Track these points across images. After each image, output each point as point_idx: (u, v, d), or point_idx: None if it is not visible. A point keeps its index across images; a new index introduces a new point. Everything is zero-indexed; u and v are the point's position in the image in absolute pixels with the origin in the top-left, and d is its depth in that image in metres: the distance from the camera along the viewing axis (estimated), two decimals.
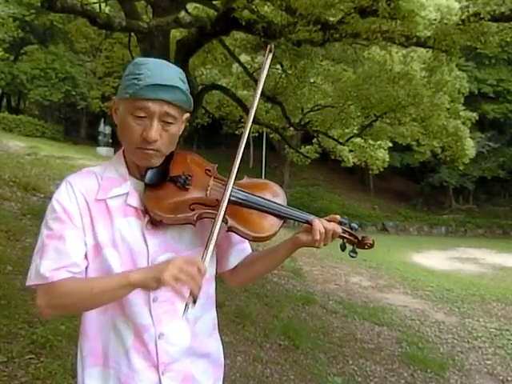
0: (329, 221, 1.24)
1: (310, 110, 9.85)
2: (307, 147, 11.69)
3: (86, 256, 1.18)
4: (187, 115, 1.23)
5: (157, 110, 1.13)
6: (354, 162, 10.93)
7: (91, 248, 1.18)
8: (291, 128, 10.41)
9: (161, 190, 1.20)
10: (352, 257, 1.30)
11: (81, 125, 30.87)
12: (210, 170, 1.27)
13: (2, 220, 6.00)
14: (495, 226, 27.15)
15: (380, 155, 10.46)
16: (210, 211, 1.18)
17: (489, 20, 5.81)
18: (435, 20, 6.77)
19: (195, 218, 1.17)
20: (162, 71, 1.14)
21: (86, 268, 1.18)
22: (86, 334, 1.25)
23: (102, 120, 26.70)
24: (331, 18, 6.44)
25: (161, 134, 1.15)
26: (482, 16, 5.74)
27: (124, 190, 1.21)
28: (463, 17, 6.24)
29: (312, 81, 9.94)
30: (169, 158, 1.23)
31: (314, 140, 10.87)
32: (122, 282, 1.09)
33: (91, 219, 1.18)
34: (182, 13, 7.59)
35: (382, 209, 28.42)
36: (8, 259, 4.71)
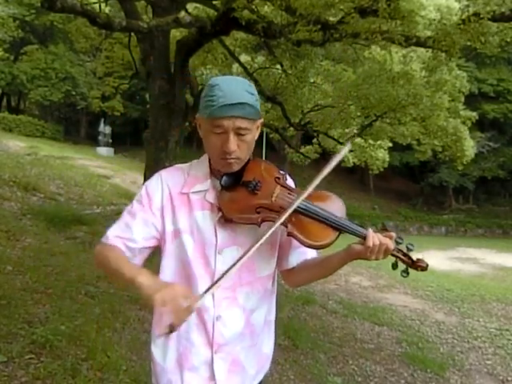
0: (386, 236, 1.30)
1: (310, 110, 9.85)
2: (307, 147, 11.69)
3: (152, 238, 1.38)
4: (261, 121, 1.38)
5: (230, 125, 1.29)
6: (354, 162, 10.93)
7: (170, 232, 1.39)
8: (291, 128, 10.41)
9: (234, 192, 1.37)
10: (403, 276, 1.35)
11: (81, 125, 30.86)
12: (279, 178, 1.40)
13: (2, 220, 6.01)
14: (495, 226, 27.15)
15: (380, 155, 10.47)
16: (273, 216, 1.31)
17: (489, 20, 5.80)
18: (435, 20, 6.78)
19: (259, 220, 1.32)
20: (231, 90, 1.29)
21: (160, 247, 1.41)
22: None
23: (102, 120, 26.72)
24: (331, 18, 6.43)
25: (238, 145, 1.32)
26: (481, 16, 5.73)
27: (205, 187, 1.40)
28: (463, 17, 6.23)
29: (312, 81, 9.94)
30: (245, 163, 1.39)
31: (314, 140, 10.87)
32: (131, 279, 1.23)
33: (173, 207, 1.39)
34: (182, 13, 7.60)
35: (382, 209, 28.44)
36: (8, 259, 4.71)
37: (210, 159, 1.43)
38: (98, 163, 17.37)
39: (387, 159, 10.68)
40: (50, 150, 17.08)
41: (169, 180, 1.41)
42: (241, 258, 1.25)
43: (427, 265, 1.33)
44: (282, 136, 10.82)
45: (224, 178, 1.37)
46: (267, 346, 1.51)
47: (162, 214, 1.38)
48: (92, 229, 7.11)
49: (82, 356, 3.14)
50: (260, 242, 1.26)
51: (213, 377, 1.37)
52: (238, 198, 1.35)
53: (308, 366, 4.17)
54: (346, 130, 10.06)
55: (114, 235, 1.37)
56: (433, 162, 22.74)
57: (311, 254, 1.47)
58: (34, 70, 23.40)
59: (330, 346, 4.79)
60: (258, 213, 1.33)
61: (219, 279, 1.25)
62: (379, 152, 10.46)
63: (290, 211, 1.29)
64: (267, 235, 1.27)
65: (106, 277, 4.91)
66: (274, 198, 1.35)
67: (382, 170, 10.87)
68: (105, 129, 27.25)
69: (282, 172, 1.43)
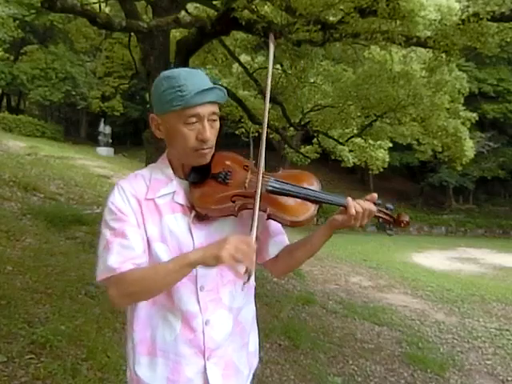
0: (365, 200, 1.32)
1: (310, 110, 9.86)
2: (307, 147, 11.70)
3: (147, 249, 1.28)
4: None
5: (206, 112, 1.25)
6: (354, 162, 10.93)
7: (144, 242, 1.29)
8: (291, 128, 10.42)
9: (204, 187, 1.32)
10: (390, 234, 1.36)
11: (81, 125, 30.86)
12: (247, 166, 1.37)
13: (2, 220, 6.00)
14: (495, 226, 27.10)
15: (380, 155, 10.47)
16: (250, 201, 1.28)
17: (489, 20, 5.80)
18: (435, 20, 6.77)
19: (236, 208, 1.29)
20: (196, 77, 1.25)
21: None
22: (136, 324, 1.34)
23: (102, 120, 26.69)
24: (331, 18, 6.43)
25: (211, 132, 1.28)
26: (481, 16, 5.73)
27: (170, 189, 1.32)
28: (463, 17, 6.23)
29: (312, 81, 9.94)
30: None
31: (314, 140, 10.87)
32: (183, 263, 1.18)
33: (142, 217, 1.29)
34: (182, 13, 7.60)
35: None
36: (8, 259, 4.71)
37: (169, 160, 1.36)
38: (98, 163, 17.37)
39: (387, 159, 10.68)
40: (50, 150, 17.07)
41: (130, 189, 1.31)
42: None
43: (409, 218, 1.36)
44: (282, 136, 10.82)
45: (191, 174, 1.33)
46: (254, 342, 1.49)
47: (137, 222, 1.28)
48: (92, 229, 7.11)
49: (82, 356, 3.14)
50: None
51: None
52: (211, 192, 1.31)
53: (308, 365, 4.16)
54: (346, 130, 10.06)
55: (119, 261, 1.22)
56: (433, 162, 22.70)
57: (287, 241, 1.46)
58: (34, 70, 23.37)
59: (329, 345, 4.79)
60: (234, 202, 1.29)
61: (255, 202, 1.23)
62: (379, 152, 10.46)
63: (260, 185, 1.27)
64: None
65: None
66: (246, 184, 1.32)
67: (382, 170, 10.87)
68: (105, 129, 27.23)
69: (248, 161, 1.40)
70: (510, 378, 4.64)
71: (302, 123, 9.91)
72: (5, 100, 28.67)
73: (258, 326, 1.54)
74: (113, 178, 15.33)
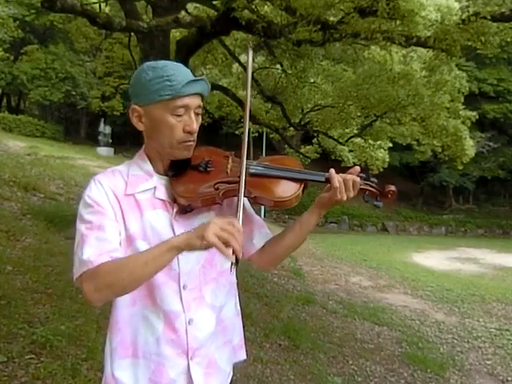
0: (349, 173, 1.30)
1: (310, 109, 9.85)
2: (307, 147, 11.69)
3: (120, 244, 1.23)
4: None
5: (194, 103, 1.23)
6: (354, 162, 10.92)
7: (124, 239, 1.24)
8: (291, 128, 10.41)
9: (186, 178, 1.30)
10: (377, 207, 1.35)
11: (81, 125, 30.83)
12: (227, 156, 1.36)
13: (2, 220, 6.00)
14: (495, 226, 27.10)
15: (380, 155, 10.46)
16: (234, 186, 1.26)
17: (489, 20, 5.80)
18: (435, 20, 6.77)
19: (220, 194, 1.27)
20: (182, 68, 1.23)
21: None
22: (115, 326, 1.31)
23: (102, 120, 26.67)
24: (331, 18, 6.43)
25: (196, 124, 1.26)
26: (482, 16, 5.73)
27: (151, 184, 1.29)
28: (463, 17, 6.23)
29: (312, 81, 9.94)
30: None
31: (314, 140, 10.87)
32: (166, 248, 1.12)
33: (122, 212, 1.25)
34: (182, 13, 7.60)
35: (382, 209, 28.41)
36: (8, 259, 4.71)
37: (147, 155, 1.32)
38: (98, 163, 17.35)
39: (387, 159, 10.67)
40: (50, 150, 17.06)
41: (109, 183, 1.26)
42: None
43: (395, 188, 1.34)
44: (281, 136, 10.82)
45: (171, 168, 1.31)
46: (238, 335, 1.46)
47: (115, 217, 1.23)
48: None
49: (82, 356, 3.14)
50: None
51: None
52: (192, 181, 1.29)
53: (308, 365, 4.16)
54: (346, 130, 10.06)
55: (95, 254, 1.16)
56: (433, 162, 22.71)
57: (271, 234, 1.44)
58: (34, 70, 23.36)
59: (329, 345, 4.79)
60: (217, 189, 1.27)
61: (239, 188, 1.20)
62: (379, 152, 10.45)
63: (244, 170, 1.24)
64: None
65: None
66: (228, 171, 1.31)
67: (381, 170, 10.86)
68: (105, 129, 27.22)
69: (228, 152, 1.39)
70: (510, 378, 4.63)
71: (302, 123, 9.91)
72: (5, 100, 28.66)
73: (246, 320, 1.51)
74: None
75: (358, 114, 9.48)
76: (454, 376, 4.56)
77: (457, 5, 7.02)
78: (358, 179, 1.29)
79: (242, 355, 1.48)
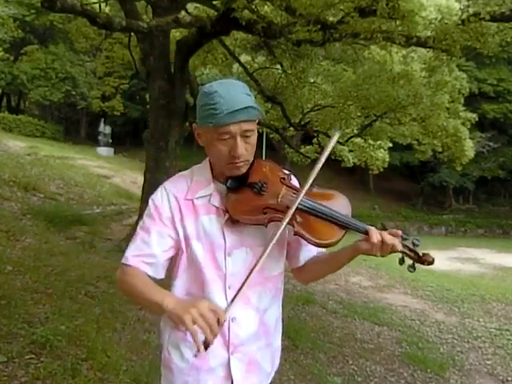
0: (390, 234, 1.31)
1: (310, 109, 9.84)
2: (307, 147, 11.68)
3: (170, 249, 1.39)
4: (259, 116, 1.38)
5: (237, 130, 1.30)
6: (354, 162, 10.92)
7: (183, 239, 1.39)
8: (291, 128, 10.40)
9: (240, 194, 1.39)
10: (410, 271, 1.37)
11: (81, 125, 30.84)
12: (284, 179, 1.42)
13: (2, 220, 6.00)
14: (495, 226, 27.12)
15: (380, 155, 10.46)
16: (280, 216, 1.32)
17: (489, 20, 5.80)
18: (435, 20, 6.77)
19: (266, 220, 1.34)
20: (232, 95, 1.29)
21: (177, 256, 1.41)
22: None
23: (102, 120, 26.71)
24: (331, 18, 6.43)
25: (245, 148, 1.33)
26: (481, 16, 5.73)
27: (208, 191, 1.41)
28: (463, 17, 6.23)
29: (312, 81, 9.94)
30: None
31: (314, 140, 10.86)
32: (158, 304, 1.24)
33: (181, 215, 1.39)
34: (182, 13, 7.60)
35: (382, 209, 28.42)
36: (8, 259, 4.71)
37: (210, 163, 1.44)
38: (98, 163, 17.37)
39: (387, 159, 10.67)
40: (50, 149, 17.07)
41: (173, 189, 1.42)
42: (258, 262, 1.27)
43: (433, 259, 1.36)
44: (281, 136, 10.81)
45: (230, 180, 1.39)
46: (278, 340, 1.55)
47: (173, 223, 1.39)
48: (92, 229, 7.10)
49: (82, 356, 3.14)
50: (272, 242, 1.28)
51: (229, 376, 1.40)
52: (245, 200, 1.37)
53: (308, 365, 4.17)
54: (346, 130, 10.05)
55: (132, 255, 1.37)
56: (433, 162, 22.73)
57: (318, 251, 1.50)
58: (34, 70, 23.38)
59: (329, 345, 4.79)
60: (265, 213, 1.35)
61: (241, 287, 1.26)
62: (379, 152, 10.46)
63: (294, 208, 1.30)
64: (277, 235, 1.28)
65: (106, 277, 4.92)
66: (279, 199, 1.36)
67: (382, 170, 10.86)
68: (105, 129, 27.26)
69: (286, 172, 1.45)
70: (510, 378, 4.63)
71: (302, 123, 9.90)
72: (5, 100, 28.67)
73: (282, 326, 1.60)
74: (113, 177, 15.33)
75: (358, 114, 9.48)
76: (454, 376, 4.56)
77: (457, 5, 7.02)
78: (399, 247, 1.30)
79: (278, 360, 1.57)
